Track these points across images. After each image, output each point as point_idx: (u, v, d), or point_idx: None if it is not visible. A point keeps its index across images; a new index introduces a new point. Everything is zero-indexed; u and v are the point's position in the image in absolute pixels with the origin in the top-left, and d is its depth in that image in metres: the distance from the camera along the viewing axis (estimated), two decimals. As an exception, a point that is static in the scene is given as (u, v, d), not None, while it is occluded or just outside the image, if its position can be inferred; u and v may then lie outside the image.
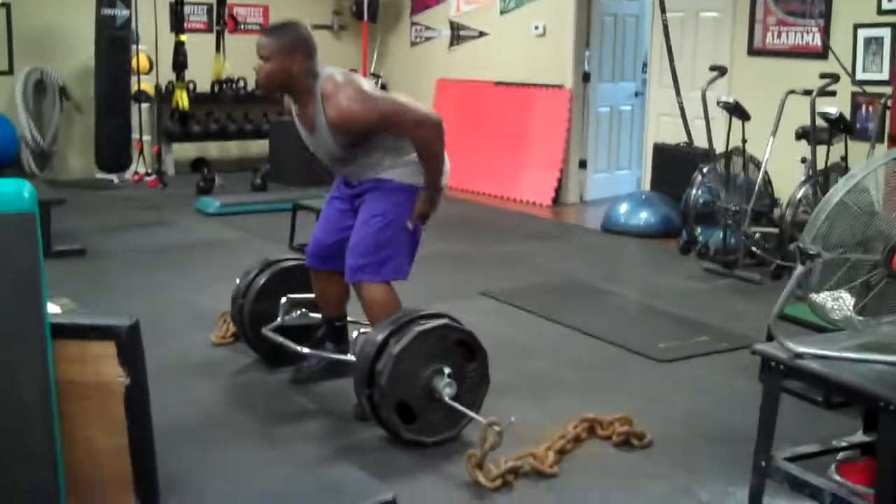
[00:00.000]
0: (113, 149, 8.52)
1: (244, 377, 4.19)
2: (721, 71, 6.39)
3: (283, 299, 4.13)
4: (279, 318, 4.13)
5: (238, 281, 4.30)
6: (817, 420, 3.73)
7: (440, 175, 3.72)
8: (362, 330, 3.73)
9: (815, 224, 2.63)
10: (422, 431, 3.43)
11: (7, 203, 2.27)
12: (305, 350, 3.95)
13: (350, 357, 3.71)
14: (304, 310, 4.17)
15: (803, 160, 6.00)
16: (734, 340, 4.73)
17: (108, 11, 8.20)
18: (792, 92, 5.99)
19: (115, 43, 8.29)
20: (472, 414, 3.44)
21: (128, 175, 9.00)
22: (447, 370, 3.41)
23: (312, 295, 4.10)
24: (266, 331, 4.10)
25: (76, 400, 2.36)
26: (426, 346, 3.41)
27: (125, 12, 8.25)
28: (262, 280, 4.23)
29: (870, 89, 6.09)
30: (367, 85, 3.68)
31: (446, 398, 3.39)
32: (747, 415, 3.35)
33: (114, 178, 9.00)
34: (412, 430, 3.41)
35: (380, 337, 3.41)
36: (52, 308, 2.53)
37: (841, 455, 3.10)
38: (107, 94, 8.41)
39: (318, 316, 4.15)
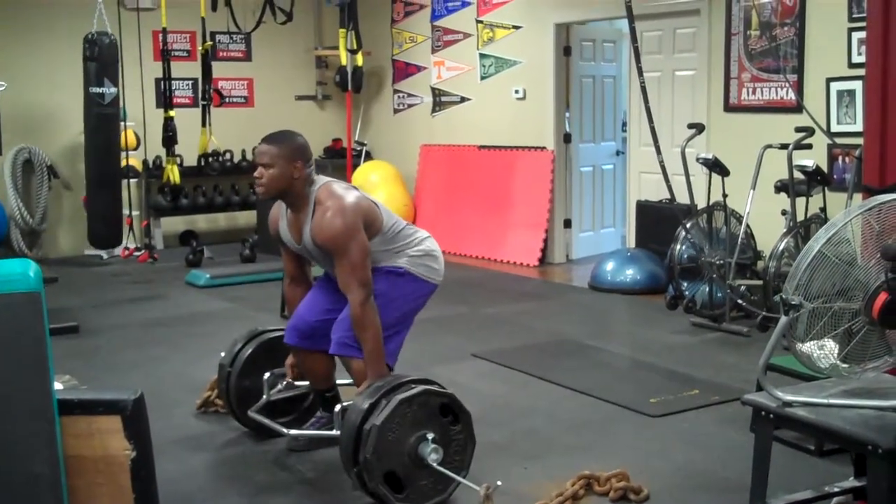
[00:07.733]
0: (105, 225, 8.57)
1: (243, 447, 4.21)
2: (699, 128, 6.53)
3: (267, 375, 4.12)
4: (264, 395, 4.13)
5: (223, 354, 4.31)
6: (810, 468, 3.78)
7: (378, 355, 3.62)
8: (344, 404, 3.67)
9: (796, 275, 2.70)
10: (412, 500, 3.41)
11: (14, 283, 2.34)
12: (292, 432, 3.97)
13: (335, 433, 3.66)
14: (288, 380, 4.14)
15: (784, 212, 6.10)
16: (724, 393, 4.79)
17: (96, 90, 8.31)
18: (769, 146, 6.12)
19: (103, 120, 8.38)
20: (458, 478, 3.44)
21: (117, 250, 9.06)
22: (431, 436, 3.39)
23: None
24: (252, 413, 4.11)
25: (85, 475, 2.40)
26: (409, 414, 3.38)
27: (113, 90, 8.35)
28: (247, 353, 4.23)
29: (844, 141, 6.23)
30: (364, 204, 3.68)
31: (433, 464, 3.38)
32: (741, 465, 3.42)
33: (103, 253, 9.06)
34: (402, 500, 3.39)
35: (363, 407, 3.39)
36: (55, 385, 2.58)
37: (834, 501, 3.15)
38: (97, 171, 8.45)
39: (305, 383, 4.15)
